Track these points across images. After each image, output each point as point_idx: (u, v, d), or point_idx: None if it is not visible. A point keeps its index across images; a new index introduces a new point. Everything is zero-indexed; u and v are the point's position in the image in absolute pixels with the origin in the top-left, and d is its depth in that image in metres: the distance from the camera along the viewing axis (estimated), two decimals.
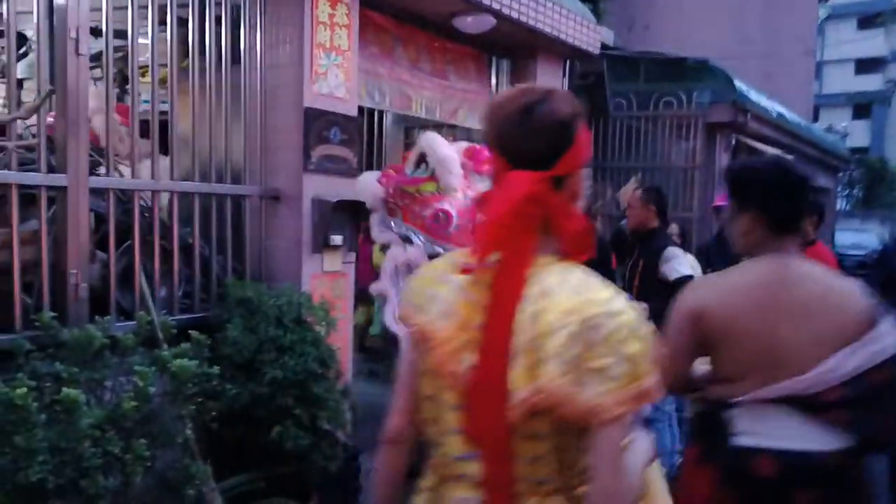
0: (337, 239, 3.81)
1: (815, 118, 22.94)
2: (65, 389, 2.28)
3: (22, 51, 4.66)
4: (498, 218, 1.29)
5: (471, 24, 4.70)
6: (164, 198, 3.42)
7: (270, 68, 3.78)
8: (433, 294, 1.39)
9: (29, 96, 3.60)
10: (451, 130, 5.87)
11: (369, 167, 7.03)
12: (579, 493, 1.31)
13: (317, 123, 3.73)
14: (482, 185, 3.84)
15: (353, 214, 3.94)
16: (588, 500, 1.27)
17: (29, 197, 2.91)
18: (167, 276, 3.42)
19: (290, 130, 3.73)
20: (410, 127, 6.05)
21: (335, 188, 3.85)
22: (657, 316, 1.76)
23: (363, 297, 6.87)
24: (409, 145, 6.11)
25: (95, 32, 3.26)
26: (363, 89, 4.30)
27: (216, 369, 2.81)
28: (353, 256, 4.03)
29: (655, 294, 3.55)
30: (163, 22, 3.36)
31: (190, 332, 2.95)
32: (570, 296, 1.26)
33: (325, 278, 3.85)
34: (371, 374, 6.44)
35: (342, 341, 3.92)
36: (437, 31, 4.91)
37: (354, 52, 3.97)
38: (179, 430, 2.63)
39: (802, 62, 16.67)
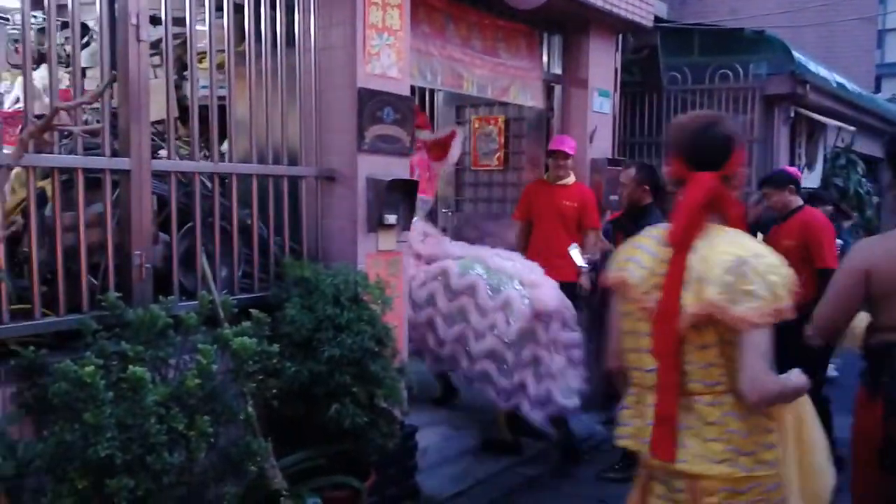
0: (391, 218, 3.82)
1: (878, 89, 21.99)
2: (131, 367, 2.35)
3: (84, 40, 4.80)
4: (695, 203, 1.89)
5: (522, 0, 4.63)
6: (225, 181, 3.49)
7: (324, 50, 3.79)
8: (630, 256, 2.03)
9: (91, 84, 3.71)
10: (502, 108, 5.84)
11: None
12: None
13: (370, 104, 3.74)
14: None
15: (407, 194, 3.94)
16: (741, 386, 1.80)
17: (94, 181, 2.99)
18: (227, 256, 3.49)
19: (345, 111, 3.75)
20: (462, 105, 6.02)
21: (389, 168, 3.86)
22: None
23: None
24: (460, 124, 6.09)
25: (154, 21, 3.34)
26: (415, 69, 4.28)
27: (276, 347, 2.86)
28: (407, 235, 4.04)
29: None
30: (219, 8, 3.40)
31: (250, 311, 3.01)
32: (727, 245, 1.84)
33: (380, 257, 3.88)
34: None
35: (398, 319, 3.94)
36: (488, 7, 4.85)
37: (406, 32, 3.95)
38: (241, 408, 2.69)
39: (863, 30, 15.98)
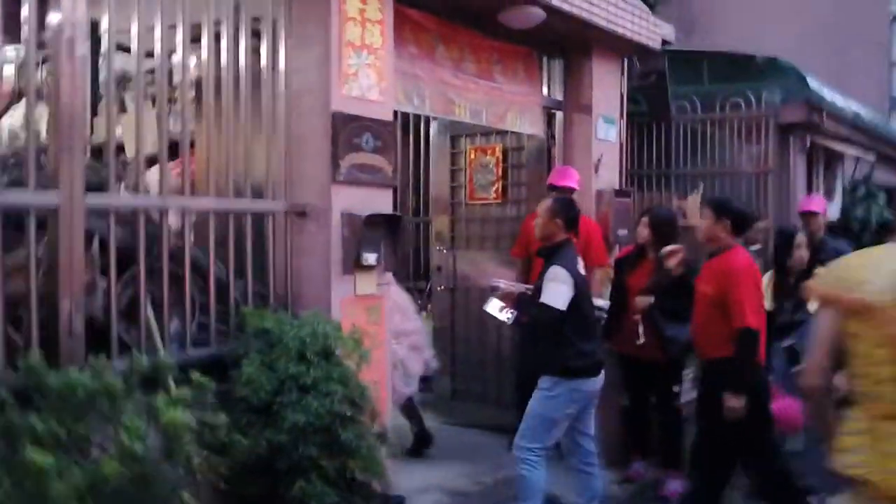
0: (370, 258, 3.38)
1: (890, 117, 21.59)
2: (29, 450, 1.88)
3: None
4: None
5: (518, 18, 4.24)
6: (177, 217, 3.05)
7: (296, 72, 3.39)
8: (867, 278, 1.92)
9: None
10: (500, 137, 5.43)
11: (415, 179, 6.65)
12: None
13: (346, 129, 3.32)
14: None
15: (389, 230, 3.50)
16: None
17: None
18: (180, 305, 3.04)
19: (317, 138, 3.33)
20: (457, 135, 5.60)
21: (369, 201, 3.43)
22: None
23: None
24: (455, 155, 5.67)
25: (125, 49, 2.99)
26: (400, 92, 3.87)
27: (222, 417, 2.39)
28: (389, 277, 3.59)
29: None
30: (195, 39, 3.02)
31: (197, 372, 2.55)
32: None
33: (359, 303, 3.42)
34: (422, 405, 5.95)
35: (379, 374, 3.47)
36: (481, 28, 4.46)
37: (389, 51, 3.55)
38: (176, 495, 2.21)
39: (875, 59, 15.64)
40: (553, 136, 5.23)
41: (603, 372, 3.64)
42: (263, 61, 3.31)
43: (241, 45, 3.20)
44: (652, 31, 5.19)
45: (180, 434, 2.14)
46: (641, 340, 4.43)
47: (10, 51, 3.80)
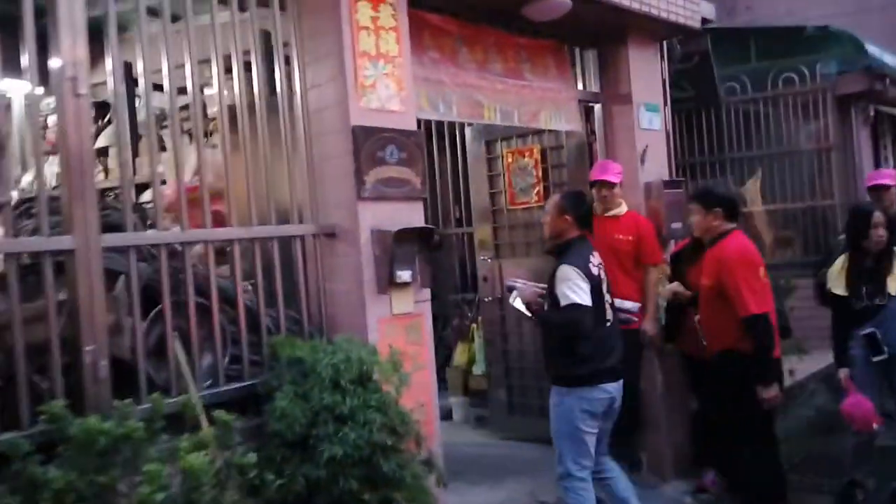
0: (405, 275, 3.22)
1: None
2: None
3: (106, 119, 4.52)
4: None
5: (543, 10, 4.04)
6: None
7: (312, 89, 3.28)
8: None
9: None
10: (537, 137, 5.22)
11: (455, 189, 6.49)
12: None
13: (368, 143, 3.18)
14: None
15: (422, 244, 3.34)
16: None
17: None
18: (211, 339, 2.95)
19: (340, 155, 3.20)
20: (492, 140, 5.42)
21: (398, 215, 3.28)
22: None
23: (462, 335, 6.32)
24: (491, 160, 5.48)
25: (158, 88, 2.98)
26: (424, 100, 3.72)
27: (251, 457, 2.26)
28: (428, 294, 3.42)
29: None
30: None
31: (230, 407, 2.43)
32: None
33: (397, 322, 3.26)
34: (479, 421, 5.80)
35: (425, 396, 3.31)
36: (506, 25, 4.27)
37: (407, 58, 3.41)
38: None
39: None
40: (593, 131, 4.99)
41: (618, 382, 3.34)
42: (279, 83, 3.21)
43: (254, 70, 3.11)
44: (690, 9, 4.90)
45: (200, 478, 2.01)
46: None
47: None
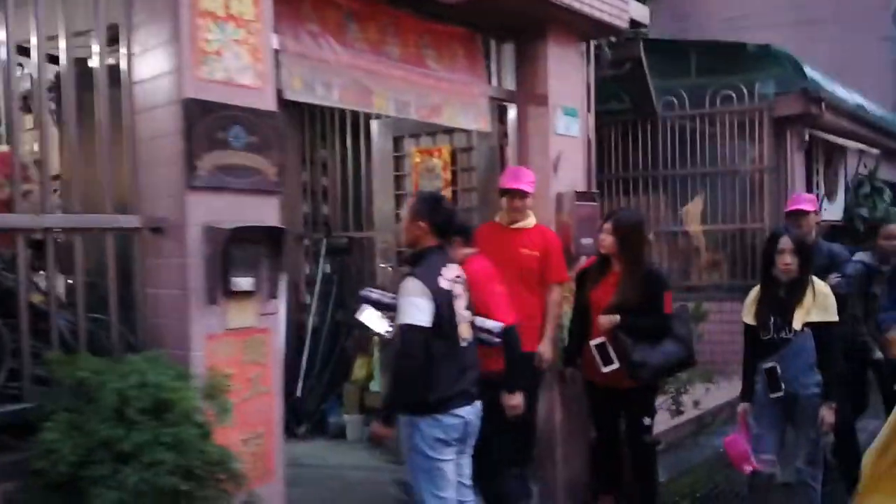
0: (243, 283, 2.69)
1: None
2: None
3: None
4: None
5: None
6: None
7: (144, 55, 2.72)
8: None
9: None
10: (447, 137, 4.75)
11: (356, 189, 5.93)
12: None
13: (204, 121, 2.63)
14: None
15: (272, 245, 2.82)
16: None
17: None
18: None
19: (170, 134, 2.65)
20: (400, 136, 4.93)
21: (241, 210, 2.74)
22: None
23: (362, 348, 5.80)
24: (399, 159, 4.99)
25: None
26: (296, 79, 3.20)
27: None
28: (276, 305, 2.90)
29: None
30: None
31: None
32: None
33: (231, 339, 2.72)
34: (371, 440, 5.28)
35: (264, 425, 2.79)
36: (408, 4, 3.79)
37: (267, 24, 2.89)
38: None
39: (879, 50, 14.85)
40: (506, 134, 4.54)
41: (473, 405, 2.99)
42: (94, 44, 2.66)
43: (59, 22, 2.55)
44: (617, 7, 4.50)
45: None
46: (606, 367, 3.76)
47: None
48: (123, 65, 2.71)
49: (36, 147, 2.90)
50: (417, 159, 4.83)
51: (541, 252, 4.01)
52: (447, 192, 4.76)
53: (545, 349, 3.95)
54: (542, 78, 4.40)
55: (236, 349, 2.74)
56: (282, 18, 3.16)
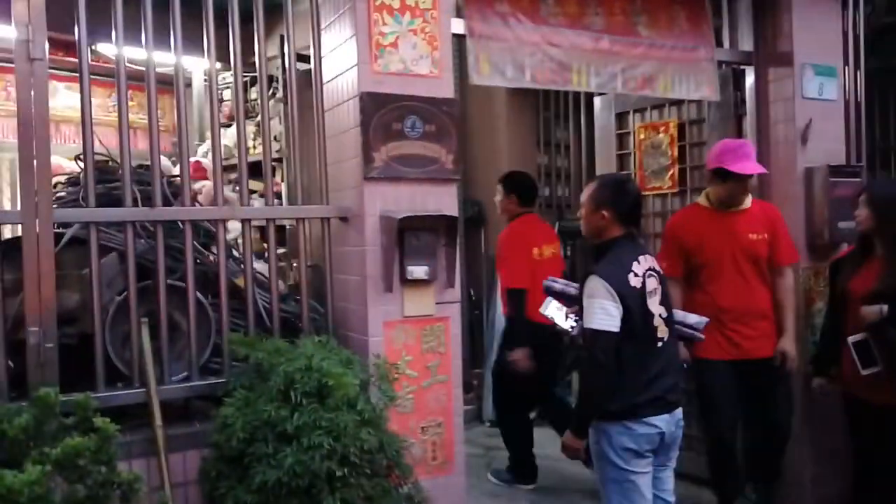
0: (418, 271, 2.71)
1: None
2: None
3: (270, 92, 4.58)
4: None
5: None
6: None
7: (330, 55, 2.87)
8: None
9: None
10: (675, 109, 4.32)
11: (590, 165, 5.66)
12: None
13: (380, 114, 2.70)
14: None
15: (448, 234, 2.80)
16: None
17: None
18: (202, 326, 2.70)
19: (351, 128, 2.76)
20: (624, 112, 4.60)
21: (418, 199, 2.77)
22: None
23: None
24: (622, 136, 4.67)
25: None
26: (484, 63, 3.12)
27: (134, 473, 1.94)
28: (457, 294, 2.88)
29: None
30: None
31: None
32: None
33: (409, 326, 2.77)
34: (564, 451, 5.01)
35: (443, 415, 2.80)
36: None
37: (445, 10, 2.86)
38: None
39: None
40: (744, 101, 3.99)
41: (671, 412, 2.60)
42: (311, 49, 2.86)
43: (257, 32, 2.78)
44: None
45: (18, 500, 1.72)
46: (866, 370, 3.07)
47: (228, 76, 4.06)
48: (315, 66, 2.87)
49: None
50: (642, 136, 4.46)
51: (769, 233, 3.44)
52: (674, 171, 4.32)
53: (787, 345, 3.38)
54: (786, 33, 3.78)
55: (414, 337, 2.78)
56: (469, 1, 3.10)
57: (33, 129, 2.34)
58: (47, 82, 2.37)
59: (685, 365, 3.18)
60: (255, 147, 4.31)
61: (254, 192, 4.03)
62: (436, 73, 2.82)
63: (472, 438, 4.92)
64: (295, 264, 3.13)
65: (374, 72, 2.70)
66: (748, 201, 3.47)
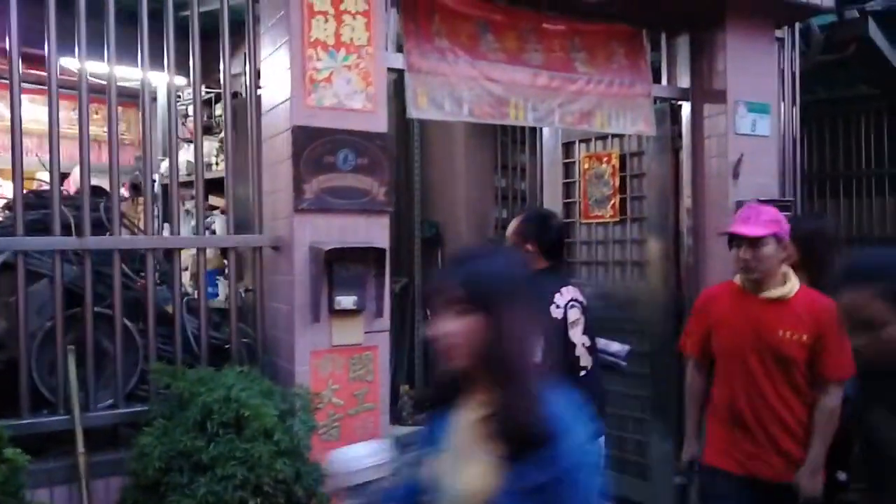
0: (345, 301, 2.77)
1: None
2: None
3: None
4: None
5: None
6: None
7: (268, 84, 2.93)
8: None
9: None
10: (617, 141, 4.44)
11: (529, 198, 5.77)
12: None
13: (312, 147, 2.76)
14: None
15: (376, 265, 2.87)
16: None
17: None
18: (129, 353, 2.73)
19: (284, 160, 2.82)
20: (570, 141, 4.71)
21: (348, 231, 2.83)
22: None
23: None
24: (568, 165, 4.78)
25: None
26: (423, 97, 3.20)
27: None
28: (385, 323, 2.94)
29: None
30: None
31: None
32: None
33: (336, 355, 2.82)
34: None
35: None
36: (554, 6, 3.60)
37: (379, 47, 2.93)
38: None
39: None
40: (680, 135, 4.12)
41: (598, 440, 2.62)
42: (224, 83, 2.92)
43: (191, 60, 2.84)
44: None
45: None
46: None
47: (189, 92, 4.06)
48: (250, 97, 2.93)
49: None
50: (586, 165, 4.57)
51: (811, 336, 2.64)
52: (615, 201, 4.43)
53: (805, 480, 2.64)
54: (720, 71, 3.91)
55: (341, 366, 2.83)
56: (409, 37, 3.19)
57: None
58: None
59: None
60: (217, 164, 4.37)
61: (215, 208, 4.09)
62: (370, 107, 2.89)
63: None
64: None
65: (307, 105, 2.76)
66: (791, 289, 2.71)
